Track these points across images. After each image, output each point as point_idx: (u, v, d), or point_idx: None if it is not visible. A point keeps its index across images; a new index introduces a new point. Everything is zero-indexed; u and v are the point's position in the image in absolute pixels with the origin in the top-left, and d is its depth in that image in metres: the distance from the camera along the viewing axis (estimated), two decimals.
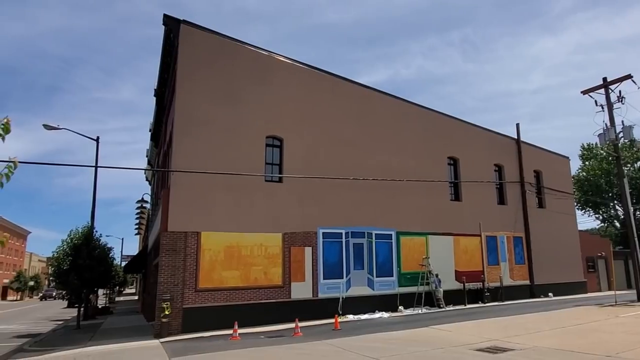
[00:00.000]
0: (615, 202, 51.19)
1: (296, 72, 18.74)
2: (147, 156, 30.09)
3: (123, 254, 46.37)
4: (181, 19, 16.46)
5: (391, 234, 19.85)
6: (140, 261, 25.50)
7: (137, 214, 26.56)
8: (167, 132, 18.67)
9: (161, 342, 12.72)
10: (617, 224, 52.16)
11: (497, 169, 25.86)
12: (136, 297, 41.95)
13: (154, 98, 22.17)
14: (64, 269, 17.00)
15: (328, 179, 17.93)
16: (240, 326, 13.43)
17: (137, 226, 29.19)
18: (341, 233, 18.36)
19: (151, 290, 19.34)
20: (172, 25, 16.47)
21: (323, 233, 17.87)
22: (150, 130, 26.41)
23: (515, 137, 27.18)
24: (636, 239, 21.20)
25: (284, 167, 17.60)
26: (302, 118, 18.35)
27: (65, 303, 27.78)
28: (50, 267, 18.96)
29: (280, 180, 17.49)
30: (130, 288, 78.70)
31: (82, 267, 17.00)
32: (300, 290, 16.78)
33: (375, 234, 19.33)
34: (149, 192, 31.93)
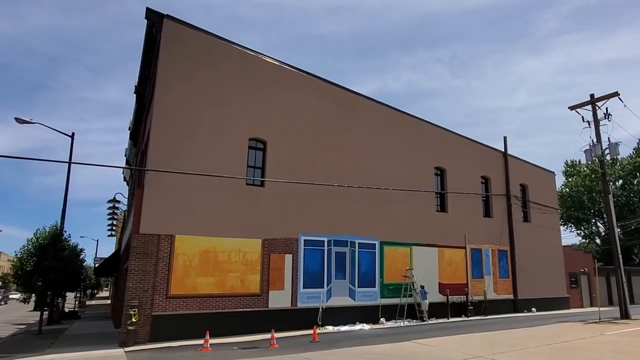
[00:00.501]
0: (597, 218, 51.77)
1: (283, 74, 18.18)
2: (125, 155, 29.10)
3: (98, 256, 44.80)
4: (165, 13, 15.80)
5: (375, 244, 19.28)
6: (112, 264, 24.41)
7: (109, 214, 25.58)
8: (146, 130, 17.89)
9: (126, 352, 11.86)
10: (598, 241, 52.69)
11: (483, 181, 25.61)
12: (109, 302, 40.48)
13: (134, 95, 21.34)
14: (26, 270, 15.94)
15: (312, 184, 17.33)
16: (213, 336, 12.66)
17: (110, 227, 28.14)
18: (323, 241, 17.73)
19: (121, 294, 18.37)
20: (154, 19, 15.78)
21: (305, 240, 17.22)
22: (129, 129, 25.50)
23: (503, 150, 27.04)
24: (620, 255, 21.07)
25: (266, 170, 16.95)
26: (288, 121, 17.76)
27: (32, 305, 26.45)
28: (12, 268, 17.81)
29: (262, 184, 16.83)
30: (105, 291, 76.40)
31: (46, 269, 15.95)
32: (279, 299, 16.05)
33: (359, 242, 18.75)
34: (126, 193, 30.89)
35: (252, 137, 16.86)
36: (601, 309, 21.09)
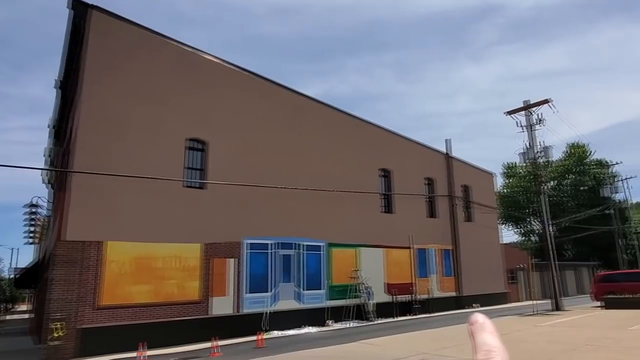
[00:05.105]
0: (532, 217, 54.96)
1: (226, 73, 17.58)
2: (44, 155, 26.46)
3: (17, 266, 40.99)
4: (90, 3, 14.69)
5: (321, 245, 19.05)
6: (34, 274, 22.37)
7: (25, 219, 23.41)
8: (71, 128, 16.54)
9: None
10: (534, 238, 55.91)
11: (428, 182, 26.23)
12: (30, 316, 37.22)
13: (57, 90, 19.51)
14: None
15: (255, 187, 16.80)
16: (150, 347, 11.82)
17: (28, 234, 25.63)
18: (268, 244, 17.23)
19: (45, 307, 16.79)
20: (80, 10, 14.64)
21: (249, 243, 16.64)
22: (51, 127, 23.25)
23: (446, 152, 27.87)
24: (554, 252, 22.27)
25: (208, 172, 16.23)
26: (231, 122, 17.16)
27: None
28: None
29: (202, 186, 16.06)
30: (25, 305, 70.51)
31: None
32: (222, 306, 15.34)
33: (305, 245, 18.43)
34: (46, 196, 28.40)
35: (191, 137, 16.09)
36: (537, 302, 22.15)
